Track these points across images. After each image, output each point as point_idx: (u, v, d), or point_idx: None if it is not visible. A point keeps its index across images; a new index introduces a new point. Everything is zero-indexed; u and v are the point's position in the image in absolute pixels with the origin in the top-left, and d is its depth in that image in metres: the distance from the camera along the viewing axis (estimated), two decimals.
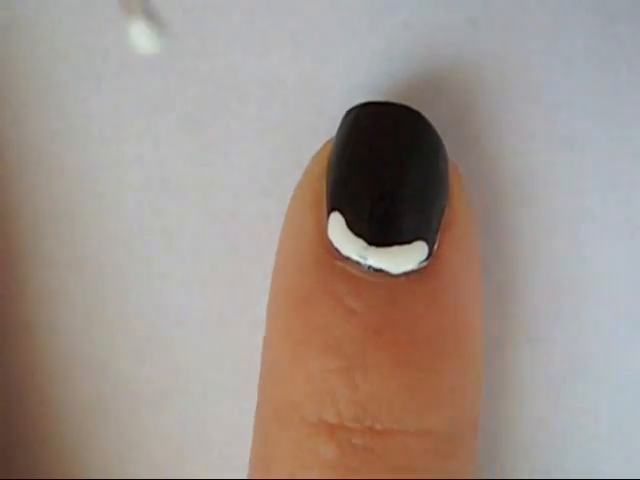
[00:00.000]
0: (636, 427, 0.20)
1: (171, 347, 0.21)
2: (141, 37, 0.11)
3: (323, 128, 0.17)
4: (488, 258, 0.19)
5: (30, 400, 0.21)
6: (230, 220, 0.20)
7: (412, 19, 0.19)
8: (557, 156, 0.19)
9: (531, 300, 0.20)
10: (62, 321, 0.21)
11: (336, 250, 0.16)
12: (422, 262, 0.16)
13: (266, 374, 0.16)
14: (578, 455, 0.20)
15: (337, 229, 0.16)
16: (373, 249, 0.15)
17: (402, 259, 0.15)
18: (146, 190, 0.20)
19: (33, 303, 0.21)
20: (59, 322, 0.21)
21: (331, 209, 0.16)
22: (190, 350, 0.21)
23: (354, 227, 0.15)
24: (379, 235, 0.15)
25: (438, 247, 0.16)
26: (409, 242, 0.15)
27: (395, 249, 0.15)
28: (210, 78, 0.20)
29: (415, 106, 0.17)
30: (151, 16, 0.12)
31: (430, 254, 0.16)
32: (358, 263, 0.15)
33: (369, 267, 0.15)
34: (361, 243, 0.15)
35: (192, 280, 0.20)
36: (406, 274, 0.15)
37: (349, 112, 0.17)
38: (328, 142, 0.17)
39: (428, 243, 0.16)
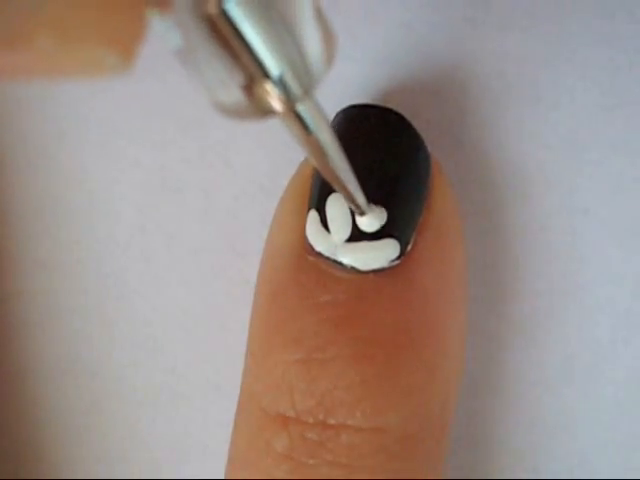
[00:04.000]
0: (635, 427, 0.20)
1: (170, 347, 0.21)
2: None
3: None
4: (487, 257, 0.19)
5: (28, 400, 0.21)
6: (230, 220, 0.20)
7: (412, 19, 0.19)
8: (556, 156, 0.19)
9: (528, 300, 0.20)
10: (61, 321, 0.21)
11: (310, 246, 0.16)
12: (393, 261, 0.16)
13: (245, 365, 0.17)
14: (577, 455, 0.20)
15: (312, 226, 0.16)
16: (342, 245, 0.16)
17: (371, 256, 0.15)
18: (146, 190, 0.20)
19: (31, 304, 0.21)
20: (58, 322, 0.21)
21: (310, 208, 0.16)
22: (189, 350, 0.21)
23: (326, 224, 0.16)
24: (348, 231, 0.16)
25: (413, 247, 0.16)
26: (379, 239, 0.15)
27: (364, 245, 0.15)
28: None
29: (413, 106, 0.17)
30: None
31: (402, 253, 0.16)
32: (328, 258, 0.16)
33: (339, 263, 0.16)
34: (331, 239, 0.16)
35: (192, 280, 0.20)
36: (375, 272, 0.16)
37: (335, 117, 0.17)
38: None
39: (400, 242, 0.16)
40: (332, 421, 0.15)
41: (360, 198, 0.15)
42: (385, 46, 0.19)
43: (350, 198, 0.15)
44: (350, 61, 0.19)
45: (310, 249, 0.16)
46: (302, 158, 0.17)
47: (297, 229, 0.16)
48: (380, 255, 0.15)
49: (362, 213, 0.15)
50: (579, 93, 0.19)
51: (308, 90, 0.12)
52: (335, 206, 0.16)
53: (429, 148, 0.17)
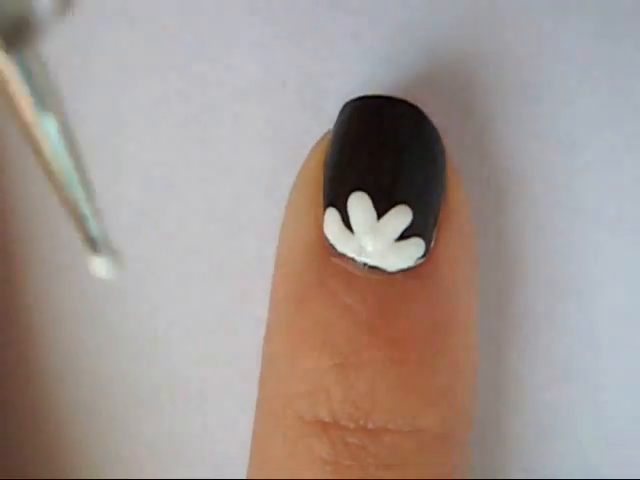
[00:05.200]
0: (635, 427, 0.20)
1: (170, 347, 0.21)
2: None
3: (323, 128, 0.17)
4: (487, 258, 0.19)
5: (29, 401, 0.21)
6: (230, 220, 0.20)
7: (411, 19, 0.19)
8: (556, 156, 0.19)
9: (528, 300, 0.20)
10: (60, 321, 0.21)
11: (332, 246, 0.15)
12: (419, 259, 0.15)
13: (265, 370, 0.16)
14: (577, 455, 0.20)
15: (333, 225, 0.15)
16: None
17: (398, 256, 0.15)
18: (146, 190, 0.20)
19: (30, 305, 0.21)
20: (57, 322, 0.21)
21: (327, 205, 0.16)
22: (189, 350, 0.21)
23: (349, 224, 0.15)
24: None
25: (435, 244, 0.16)
26: (406, 239, 0.15)
27: (391, 245, 0.15)
28: (210, 78, 0.20)
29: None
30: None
31: (427, 251, 0.15)
32: (353, 260, 0.15)
33: (364, 264, 0.15)
34: (356, 240, 0.15)
35: (192, 280, 0.20)
36: (402, 271, 0.15)
37: (345, 106, 0.16)
38: (327, 134, 0.17)
39: (425, 240, 0.15)
40: (372, 425, 0.15)
41: (95, 229, 0.12)
42: (385, 46, 0.19)
43: (79, 226, 0.12)
44: (350, 60, 0.19)
45: (332, 249, 0.15)
46: (304, 157, 0.17)
47: (314, 226, 0.16)
48: (407, 255, 0.15)
49: (95, 250, 0.12)
50: (579, 93, 0.19)
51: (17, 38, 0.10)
52: (359, 205, 0.15)
53: None
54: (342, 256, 0.15)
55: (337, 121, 0.16)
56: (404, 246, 0.15)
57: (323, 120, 0.19)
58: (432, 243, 0.16)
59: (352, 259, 0.15)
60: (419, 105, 0.17)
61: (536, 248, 0.19)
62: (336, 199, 0.15)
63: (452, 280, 0.16)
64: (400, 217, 0.15)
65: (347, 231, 0.15)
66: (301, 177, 0.17)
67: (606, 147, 0.19)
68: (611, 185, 0.19)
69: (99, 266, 0.12)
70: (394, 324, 0.15)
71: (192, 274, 0.20)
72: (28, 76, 0.10)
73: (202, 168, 0.20)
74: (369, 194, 0.15)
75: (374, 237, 0.15)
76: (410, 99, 0.17)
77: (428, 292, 0.16)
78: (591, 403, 0.20)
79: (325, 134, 0.17)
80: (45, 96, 0.10)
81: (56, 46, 0.14)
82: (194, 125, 0.20)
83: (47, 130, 0.11)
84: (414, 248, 0.15)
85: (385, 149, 0.15)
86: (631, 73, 0.19)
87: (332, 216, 0.15)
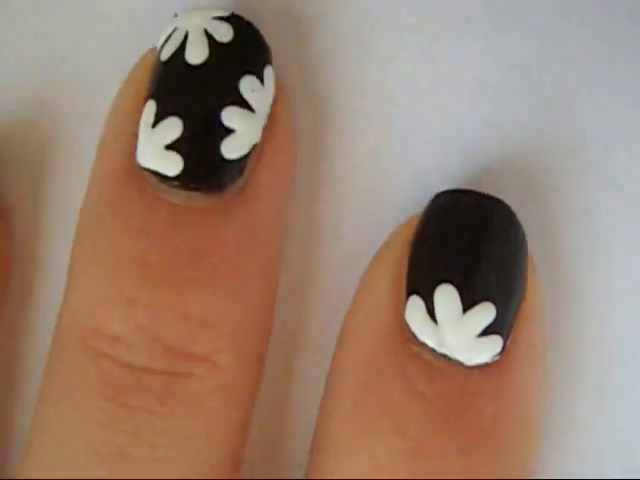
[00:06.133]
0: (636, 428, 0.20)
1: None
2: None
3: None
4: None
5: (26, 401, 0.20)
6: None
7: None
8: (558, 155, 0.19)
9: None
10: None
11: (412, 333, 0.16)
12: (495, 356, 0.16)
13: (326, 448, 0.17)
14: (577, 455, 0.20)
15: (415, 314, 0.16)
16: (451, 339, 0.16)
17: (478, 352, 0.16)
18: None
19: (30, 305, 0.20)
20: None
21: (411, 292, 0.16)
22: None
23: (433, 314, 0.16)
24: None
25: (511, 342, 0.16)
26: (486, 335, 0.16)
27: (472, 341, 0.16)
28: None
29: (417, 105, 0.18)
30: None
31: (504, 349, 0.16)
32: (433, 350, 0.16)
33: (444, 355, 0.16)
34: (439, 332, 0.16)
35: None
36: (479, 366, 0.16)
37: (437, 197, 0.17)
38: (414, 217, 0.17)
39: (503, 337, 0.16)
40: None
41: None
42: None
43: None
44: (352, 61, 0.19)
45: (411, 336, 0.16)
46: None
47: (393, 310, 0.16)
48: (486, 351, 0.16)
49: None
50: (580, 92, 0.19)
51: None
52: (447, 298, 0.16)
53: None
54: (422, 344, 0.16)
55: (429, 208, 0.17)
56: (484, 342, 0.16)
57: None
58: (509, 341, 0.16)
59: (432, 349, 0.16)
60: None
61: (538, 249, 0.19)
62: (422, 288, 0.16)
63: (525, 378, 0.16)
64: (484, 314, 0.16)
65: (430, 321, 0.16)
66: (383, 256, 0.17)
67: (608, 146, 0.19)
68: (613, 185, 0.19)
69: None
70: (466, 417, 0.16)
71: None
72: None
73: None
74: (457, 288, 0.16)
75: (458, 331, 0.16)
76: (414, 97, 0.18)
77: (501, 388, 0.16)
78: (595, 404, 0.19)
79: (412, 217, 0.17)
80: None
81: None
82: None
83: None
84: (493, 345, 0.16)
85: (477, 245, 0.16)
86: (631, 70, 0.19)
87: (416, 304, 0.16)
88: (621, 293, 0.19)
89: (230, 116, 0.16)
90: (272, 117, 0.17)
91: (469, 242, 0.16)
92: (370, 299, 0.17)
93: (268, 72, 0.17)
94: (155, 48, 0.17)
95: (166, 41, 0.17)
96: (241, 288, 0.16)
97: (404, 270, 0.16)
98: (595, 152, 0.19)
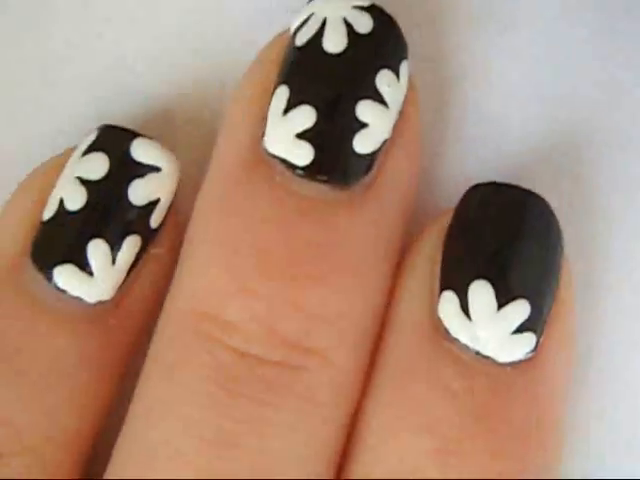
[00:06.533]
0: (636, 429, 0.19)
1: None
2: None
3: None
4: None
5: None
6: None
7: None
8: (560, 154, 0.19)
9: None
10: None
11: (445, 329, 0.16)
12: (528, 354, 0.16)
13: (355, 442, 0.17)
14: (578, 455, 0.19)
15: (449, 309, 0.16)
16: (484, 336, 0.16)
17: (511, 349, 0.16)
18: None
19: None
20: None
21: (445, 287, 0.16)
22: None
23: (467, 310, 0.16)
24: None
25: (543, 341, 0.16)
26: (520, 332, 0.16)
27: (506, 338, 0.16)
28: None
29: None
30: None
31: (537, 346, 0.16)
32: (466, 346, 0.16)
33: (477, 352, 0.16)
34: (473, 328, 0.16)
35: None
36: (511, 364, 0.16)
37: (473, 189, 0.17)
38: (447, 211, 0.17)
39: (536, 335, 0.16)
40: None
41: None
42: None
43: None
44: None
45: (443, 331, 0.16)
46: None
47: (427, 305, 0.16)
48: (519, 348, 0.16)
49: None
50: (581, 90, 0.19)
51: None
52: (482, 294, 0.16)
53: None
54: (454, 340, 0.16)
55: (463, 202, 0.17)
56: (518, 340, 0.16)
57: None
58: (542, 338, 0.16)
59: (466, 346, 0.16)
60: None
61: None
62: (456, 283, 0.16)
63: (555, 377, 0.17)
64: (519, 311, 0.16)
65: (464, 317, 0.16)
66: (417, 250, 0.17)
67: (609, 143, 0.19)
68: (614, 185, 0.19)
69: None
70: (498, 417, 0.16)
71: None
72: None
73: None
74: (492, 284, 0.16)
75: (492, 327, 0.16)
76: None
77: (533, 386, 0.16)
78: (590, 403, 0.19)
79: (445, 210, 0.17)
80: None
81: None
82: None
83: None
84: (526, 342, 0.16)
85: (513, 241, 0.16)
86: (630, 68, 0.19)
87: (450, 300, 0.16)
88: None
89: (364, 110, 0.16)
90: (402, 114, 0.17)
91: (505, 237, 0.16)
92: (403, 294, 0.17)
93: (404, 68, 0.17)
94: (288, 30, 0.17)
95: (301, 26, 0.17)
96: (360, 286, 0.16)
97: (438, 265, 0.16)
98: (598, 149, 0.19)
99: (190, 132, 0.20)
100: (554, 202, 0.17)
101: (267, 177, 0.16)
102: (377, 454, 0.16)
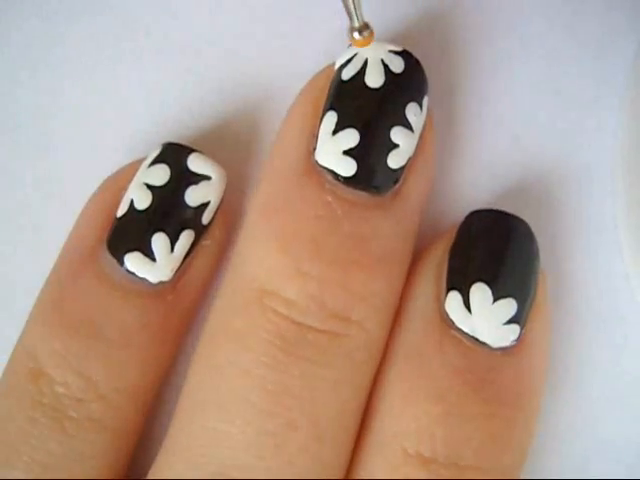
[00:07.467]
0: (634, 430, 0.22)
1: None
2: None
3: None
4: None
5: None
6: None
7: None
8: (563, 153, 0.22)
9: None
10: None
11: (450, 320, 0.20)
12: (514, 341, 0.20)
13: (375, 410, 0.20)
14: (574, 456, 0.22)
15: (454, 305, 0.20)
16: (481, 327, 0.20)
17: (502, 337, 0.20)
18: None
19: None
20: None
21: (451, 288, 0.20)
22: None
23: (468, 306, 0.20)
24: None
25: (525, 331, 0.20)
26: (509, 324, 0.20)
27: (498, 329, 0.20)
28: None
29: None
30: None
31: (520, 336, 0.20)
32: (468, 334, 0.20)
33: (476, 339, 0.20)
34: (473, 320, 0.20)
35: None
36: (502, 348, 0.20)
37: (471, 215, 0.21)
38: (452, 228, 0.21)
39: (520, 327, 0.20)
40: (463, 462, 0.19)
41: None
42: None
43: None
44: None
45: (450, 322, 0.20)
46: None
47: (435, 302, 0.20)
48: (508, 337, 0.20)
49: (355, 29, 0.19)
50: (581, 89, 0.21)
51: None
52: (481, 294, 0.20)
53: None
54: (458, 329, 0.20)
55: (465, 223, 0.21)
56: (507, 330, 0.20)
57: None
58: (524, 330, 0.20)
59: (467, 334, 0.20)
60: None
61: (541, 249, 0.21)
62: (459, 285, 0.20)
63: (536, 360, 0.20)
64: (509, 307, 0.20)
65: (466, 311, 0.20)
66: (428, 259, 0.21)
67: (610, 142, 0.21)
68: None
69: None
70: (492, 388, 0.20)
71: None
72: None
73: None
74: (489, 286, 0.20)
75: (488, 320, 0.20)
76: None
77: (518, 367, 0.20)
78: (590, 404, 0.22)
79: (450, 228, 0.21)
80: None
81: None
82: None
83: None
84: (513, 332, 0.20)
85: (503, 253, 0.20)
86: (630, 67, 0.21)
87: (455, 298, 0.20)
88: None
89: (397, 134, 0.20)
90: (422, 136, 0.20)
91: (497, 250, 0.20)
92: (418, 292, 0.21)
93: (426, 101, 0.20)
94: (333, 65, 0.20)
95: (346, 63, 0.20)
96: (389, 271, 0.20)
97: (444, 271, 0.20)
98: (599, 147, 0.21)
99: (235, 148, 0.22)
100: (533, 225, 0.20)
101: (318, 183, 0.20)
102: (396, 418, 0.20)
